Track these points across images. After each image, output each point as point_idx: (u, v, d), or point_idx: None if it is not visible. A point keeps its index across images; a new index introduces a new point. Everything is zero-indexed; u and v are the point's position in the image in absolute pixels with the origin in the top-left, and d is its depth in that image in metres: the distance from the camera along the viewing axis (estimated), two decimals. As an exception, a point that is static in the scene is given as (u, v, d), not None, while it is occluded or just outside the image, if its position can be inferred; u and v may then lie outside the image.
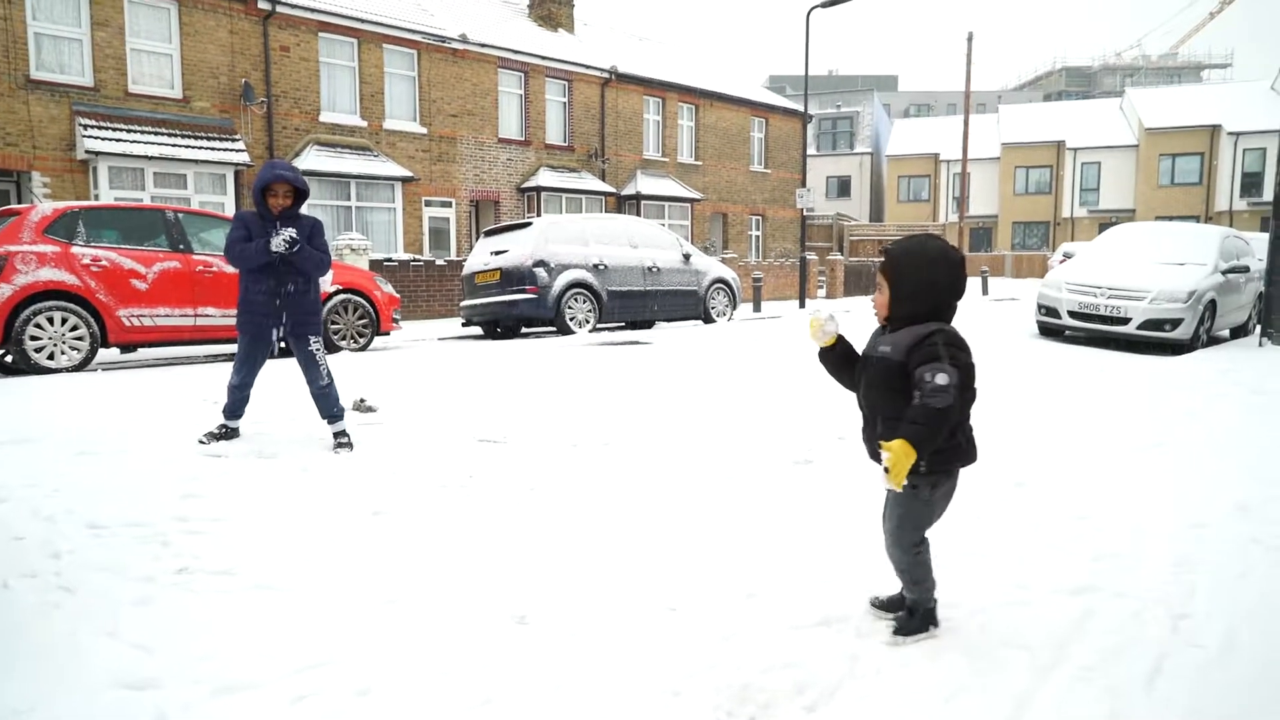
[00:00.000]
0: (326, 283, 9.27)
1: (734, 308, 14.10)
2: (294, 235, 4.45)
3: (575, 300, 11.70)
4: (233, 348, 6.25)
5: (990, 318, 13.28)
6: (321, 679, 2.21)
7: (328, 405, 4.64)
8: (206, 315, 8.59)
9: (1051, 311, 10.42)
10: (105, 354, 8.85)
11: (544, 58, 22.06)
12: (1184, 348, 9.50)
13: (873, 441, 2.36)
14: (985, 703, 2.13)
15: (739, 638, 2.45)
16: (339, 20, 18.28)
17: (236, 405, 4.71)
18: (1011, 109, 46.29)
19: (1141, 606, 2.67)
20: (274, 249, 4.42)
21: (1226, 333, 11.33)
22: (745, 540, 3.27)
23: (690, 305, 13.32)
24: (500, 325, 12.37)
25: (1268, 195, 32.54)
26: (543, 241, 11.65)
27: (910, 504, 2.38)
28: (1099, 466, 4.38)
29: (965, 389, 2.29)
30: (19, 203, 15.26)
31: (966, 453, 2.37)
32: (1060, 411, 5.88)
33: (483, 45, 20.69)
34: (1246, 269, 10.83)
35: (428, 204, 20.21)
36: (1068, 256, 17.56)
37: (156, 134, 15.68)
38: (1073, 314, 10.13)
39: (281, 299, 4.56)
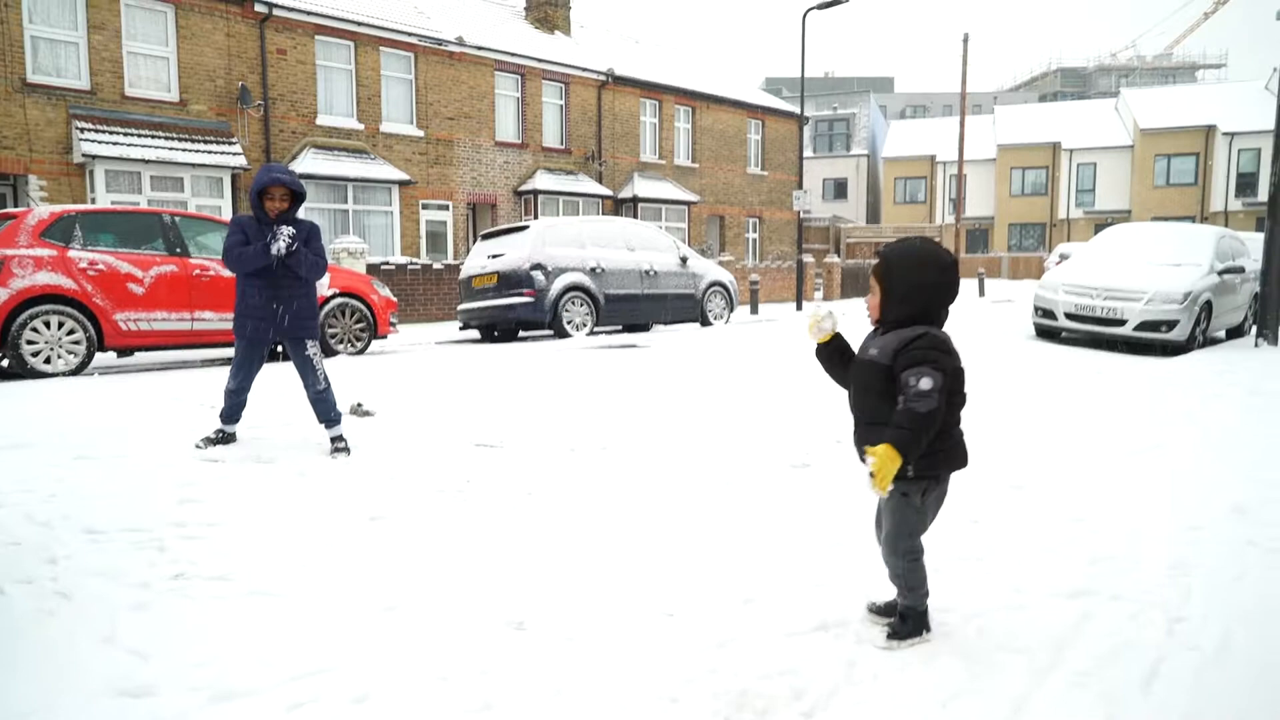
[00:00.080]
0: (323, 286, 9.26)
1: (731, 310, 14.11)
2: (293, 233, 4.46)
3: (572, 303, 11.70)
4: (229, 352, 6.24)
5: (987, 319, 13.30)
6: (318, 686, 2.20)
7: (325, 410, 4.63)
8: (203, 319, 8.58)
9: (1048, 313, 10.44)
10: (102, 358, 8.84)
11: (541, 60, 22.08)
12: (1180, 349, 9.52)
13: (863, 445, 2.36)
14: (982, 707, 2.13)
15: (736, 643, 2.45)
16: (336, 23, 18.29)
17: (233, 410, 4.70)
18: (1007, 110, 46.38)
19: (1138, 609, 2.67)
20: (274, 252, 4.42)
21: (1223, 333, 11.36)
22: (742, 545, 3.27)
23: (687, 308, 13.32)
24: (497, 329, 12.37)
25: (1263, 195, 32.60)
26: (540, 245, 11.65)
27: (903, 511, 2.39)
28: (1096, 469, 4.39)
29: (953, 393, 2.30)
30: (15, 206, 15.23)
31: (956, 457, 2.38)
32: (1057, 414, 5.89)
33: (479, 48, 20.70)
34: (1242, 270, 10.86)
35: (425, 207, 20.21)
36: (1064, 258, 17.58)
37: (153, 137, 15.67)
38: (1069, 315, 10.14)
39: (278, 303, 4.56)
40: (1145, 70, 67.47)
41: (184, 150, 15.81)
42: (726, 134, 27.76)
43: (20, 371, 7.56)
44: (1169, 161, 39.60)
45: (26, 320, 7.55)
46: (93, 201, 14.84)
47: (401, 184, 19.07)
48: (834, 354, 2.53)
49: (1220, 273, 10.25)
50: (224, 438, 4.68)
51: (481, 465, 4.39)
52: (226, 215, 15.55)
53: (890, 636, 2.44)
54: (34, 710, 2.06)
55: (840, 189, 45.97)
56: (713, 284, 13.66)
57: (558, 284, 11.53)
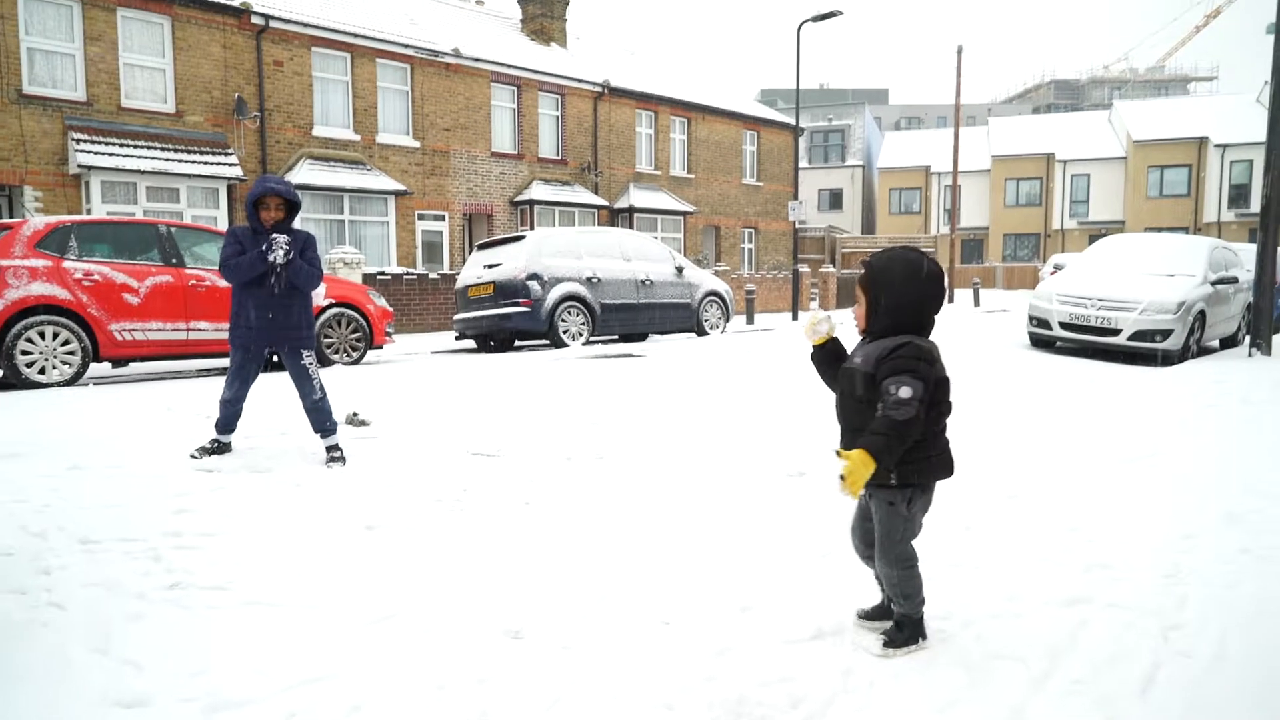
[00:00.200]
0: (319, 296, 9.26)
1: (727, 320, 14.13)
2: (289, 241, 4.47)
3: (569, 313, 11.71)
4: (225, 362, 6.23)
5: (982, 329, 13.34)
6: (314, 695, 2.20)
7: (320, 419, 4.63)
8: (199, 329, 8.57)
9: (1043, 323, 10.47)
10: (97, 368, 8.81)
11: (537, 72, 22.16)
12: (1174, 358, 9.55)
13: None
14: (979, 714, 2.13)
15: (733, 651, 2.45)
16: (332, 35, 18.35)
17: (229, 420, 4.70)
18: (1001, 122, 46.64)
19: (1134, 617, 2.68)
20: (271, 259, 4.42)
21: (1216, 343, 11.41)
22: (739, 553, 3.27)
23: (683, 318, 13.34)
24: (494, 339, 12.37)
25: (1255, 206, 32.79)
26: (536, 255, 11.67)
27: (892, 520, 2.41)
28: (1090, 477, 4.40)
29: (939, 402, 2.32)
30: (11, 217, 15.22)
31: (942, 466, 2.40)
32: (1052, 422, 5.91)
33: (476, 59, 20.78)
34: (1235, 280, 10.91)
35: (421, 217, 20.23)
36: (1058, 268, 17.67)
37: (149, 148, 15.68)
38: (1064, 325, 10.18)
39: (274, 313, 4.56)
40: (1138, 83, 67.95)
41: (180, 161, 15.82)
42: (722, 145, 27.87)
43: (15, 382, 7.54)
44: (1162, 173, 39.83)
45: (21, 331, 7.53)
46: (88, 212, 14.83)
47: (397, 194, 19.09)
48: (828, 357, 2.55)
49: (1213, 283, 10.30)
50: (219, 448, 4.67)
51: (478, 474, 4.39)
52: (222, 226, 15.57)
53: (886, 644, 2.44)
54: (28, 720, 2.05)
55: (835, 199, 46.14)
56: (708, 294, 13.69)
57: (554, 294, 11.55)
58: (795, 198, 22.52)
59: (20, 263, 7.65)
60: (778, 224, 29.74)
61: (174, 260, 8.52)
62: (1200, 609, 2.74)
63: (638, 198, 24.29)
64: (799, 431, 5.39)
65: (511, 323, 11.53)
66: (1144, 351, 9.67)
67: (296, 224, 4.73)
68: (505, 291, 11.51)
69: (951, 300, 26.16)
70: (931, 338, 2.42)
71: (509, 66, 21.52)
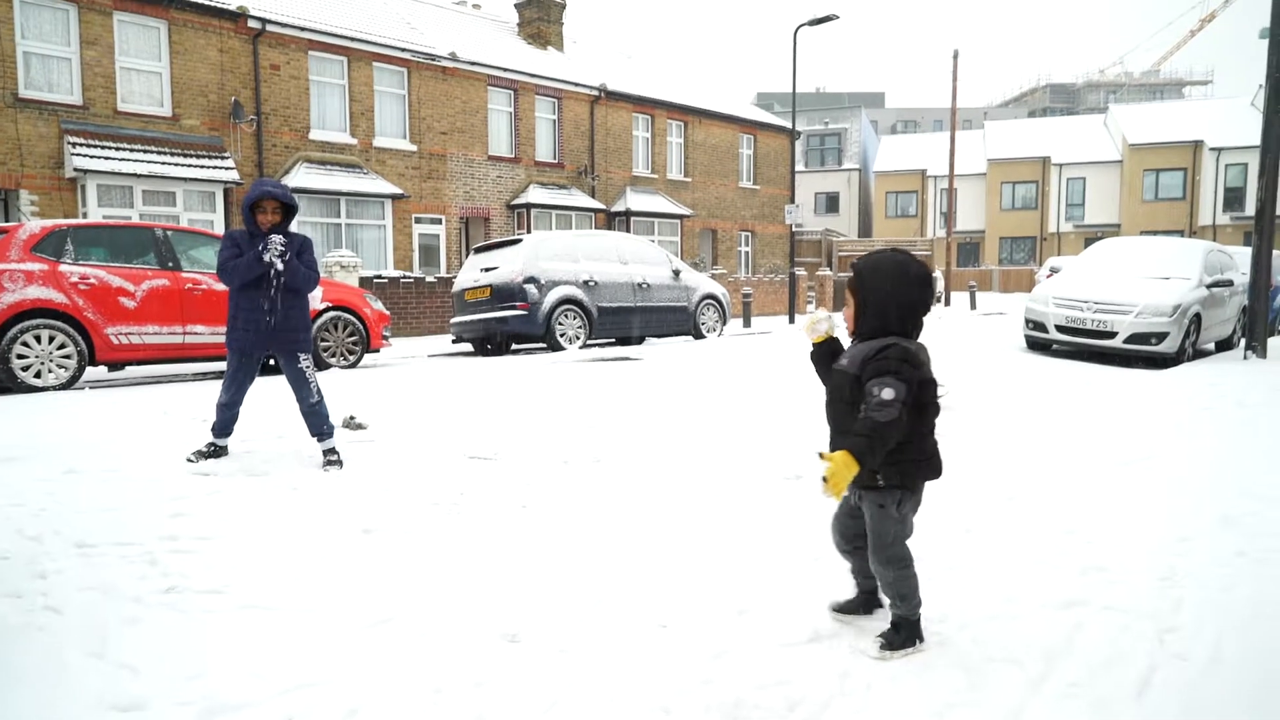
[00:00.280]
0: (316, 300, 9.26)
1: (724, 323, 14.14)
2: (284, 242, 4.47)
3: (565, 316, 11.72)
4: (222, 365, 6.22)
5: (978, 332, 13.37)
6: (311, 699, 2.19)
7: (317, 423, 4.63)
8: (195, 333, 8.56)
9: (1039, 326, 10.50)
10: (93, 372, 8.80)
11: (533, 75, 22.18)
12: (1170, 361, 9.58)
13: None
14: (977, 717, 2.13)
15: (730, 654, 2.45)
16: (329, 39, 18.35)
17: (225, 423, 4.69)
18: (997, 125, 46.78)
19: (1130, 620, 2.68)
20: (266, 259, 4.43)
21: (1212, 346, 11.43)
22: (736, 556, 3.27)
23: (680, 321, 13.35)
24: (491, 342, 12.37)
25: (1250, 210, 32.87)
26: (533, 258, 11.68)
27: (884, 522, 2.42)
28: (1087, 480, 4.41)
29: (926, 404, 2.33)
30: (7, 221, 15.19)
31: (930, 467, 2.41)
32: (1049, 425, 5.92)
33: (472, 63, 20.80)
34: (1230, 283, 10.94)
35: (418, 221, 20.23)
36: (1055, 271, 17.71)
37: (146, 152, 15.67)
38: (1060, 328, 10.20)
39: (271, 316, 4.56)
40: (1133, 86, 68.17)
41: (176, 165, 15.80)
42: (719, 148, 27.91)
43: (10, 386, 7.52)
44: (1157, 176, 39.97)
45: (17, 335, 7.52)
46: (84, 216, 14.81)
47: (394, 198, 19.09)
48: (826, 356, 2.56)
49: (1209, 286, 10.33)
50: (216, 451, 4.67)
51: (475, 478, 4.38)
52: (219, 229, 15.55)
53: (883, 647, 2.44)
54: (24, 725, 2.05)
55: (832, 203, 46.23)
56: (705, 297, 13.70)
57: (551, 297, 11.56)
58: (792, 201, 22.56)
59: (16, 266, 7.64)
60: (774, 227, 29.78)
61: (170, 264, 8.51)
62: (1196, 612, 2.75)
63: (634, 201, 24.31)
64: (795, 434, 5.40)
65: (508, 326, 11.54)
66: (1140, 354, 9.70)
67: (293, 227, 4.73)
68: (502, 295, 11.52)
69: (948, 303, 26.21)
70: (926, 340, 2.43)
71: (506, 70, 21.54)
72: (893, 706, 2.18)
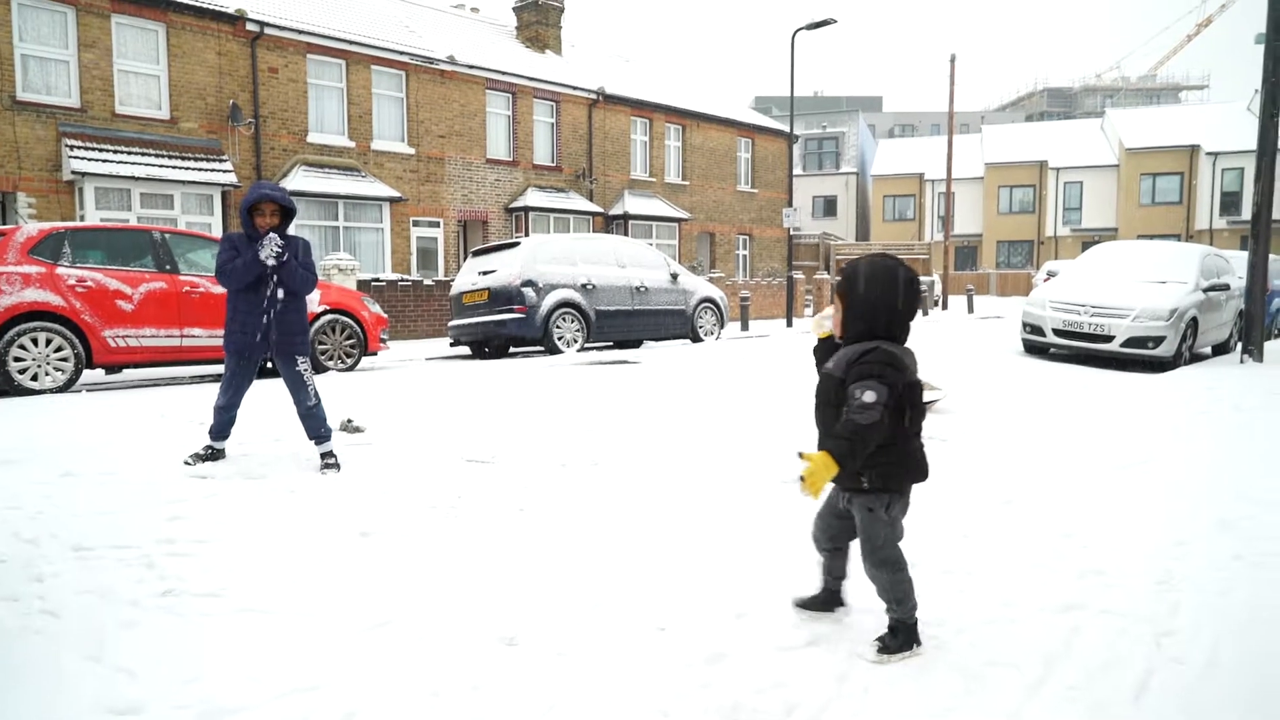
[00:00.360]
0: (314, 303, 9.25)
1: (722, 327, 14.15)
2: (281, 243, 4.47)
3: (563, 320, 11.72)
4: (219, 368, 6.23)
5: (976, 336, 13.38)
6: (309, 703, 2.19)
7: (315, 426, 4.62)
8: (193, 336, 8.56)
9: (1036, 329, 10.51)
10: (90, 375, 8.79)
11: (532, 79, 22.20)
12: (1167, 365, 9.60)
13: None
14: (974, 721, 2.14)
15: (728, 658, 2.45)
16: (327, 42, 18.36)
17: (223, 426, 4.69)
18: (994, 129, 46.89)
19: (1127, 623, 2.69)
20: (264, 258, 4.43)
21: (1209, 350, 11.45)
22: (733, 560, 3.27)
23: (678, 324, 13.35)
24: (488, 345, 12.37)
25: (1246, 214, 32.96)
26: (531, 261, 11.68)
27: (874, 525, 2.44)
28: (1084, 484, 4.42)
29: (912, 406, 2.35)
30: (4, 224, 15.18)
31: (916, 470, 2.44)
32: (1046, 429, 5.92)
33: (471, 66, 20.81)
34: (1227, 287, 10.97)
35: (415, 224, 20.23)
36: (1052, 275, 17.71)
37: (143, 155, 15.67)
38: (1057, 332, 10.22)
39: (269, 319, 4.56)
40: (1130, 91, 68.34)
41: (174, 168, 15.80)
42: (717, 152, 27.94)
43: (7, 389, 7.51)
44: (1154, 180, 40.07)
45: (14, 337, 7.51)
46: (82, 219, 14.79)
47: (392, 201, 19.09)
48: (830, 351, 2.58)
49: (1205, 290, 10.36)
50: (213, 454, 4.66)
51: (473, 481, 4.38)
52: (217, 232, 15.55)
53: (881, 650, 2.44)
54: (20, 729, 2.04)
55: (830, 206, 46.30)
56: (703, 300, 13.71)
57: (549, 300, 11.56)
58: (790, 205, 22.58)
59: (13, 269, 7.63)
60: (772, 231, 29.81)
61: (168, 267, 8.50)
62: (1193, 616, 2.75)
63: (632, 204, 24.33)
64: (792, 438, 5.39)
65: (506, 329, 11.54)
66: (1137, 358, 9.72)
67: (291, 230, 4.73)
68: (500, 298, 11.52)
69: (946, 307, 26.24)
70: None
71: (504, 73, 21.56)
72: (890, 710, 2.18)
